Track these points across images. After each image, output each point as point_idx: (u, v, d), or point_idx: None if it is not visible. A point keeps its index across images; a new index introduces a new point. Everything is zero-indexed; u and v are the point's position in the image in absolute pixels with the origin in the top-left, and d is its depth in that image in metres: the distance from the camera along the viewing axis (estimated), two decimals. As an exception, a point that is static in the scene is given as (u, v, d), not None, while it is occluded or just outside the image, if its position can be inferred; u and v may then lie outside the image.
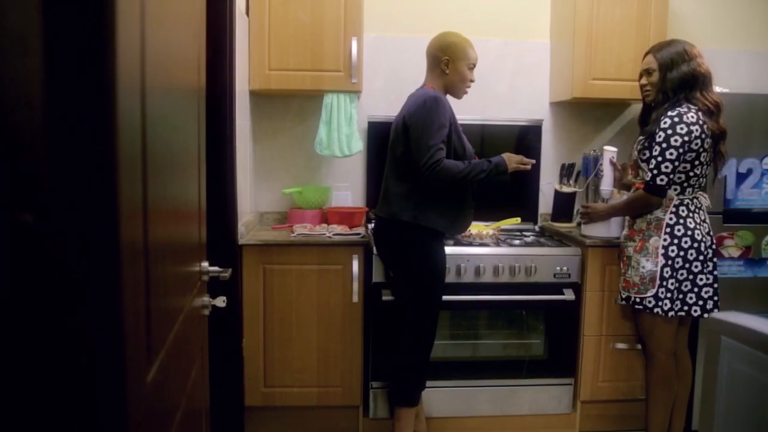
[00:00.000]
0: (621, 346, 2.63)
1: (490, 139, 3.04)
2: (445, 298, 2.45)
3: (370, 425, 2.61)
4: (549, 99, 3.07)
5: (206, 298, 1.47)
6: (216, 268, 1.48)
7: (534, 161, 2.37)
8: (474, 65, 2.30)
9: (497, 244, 2.67)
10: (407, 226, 2.21)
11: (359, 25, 2.67)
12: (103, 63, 0.67)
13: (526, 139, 3.05)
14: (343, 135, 2.72)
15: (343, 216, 2.76)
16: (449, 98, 2.33)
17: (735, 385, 1.20)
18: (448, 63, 2.24)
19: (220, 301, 1.51)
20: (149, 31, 0.85)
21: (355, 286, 2.49)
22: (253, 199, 2.90)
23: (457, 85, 2.28)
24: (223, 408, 2.47)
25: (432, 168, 2.09)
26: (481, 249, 2.58)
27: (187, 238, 1.24)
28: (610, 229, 2.57)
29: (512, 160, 2.28)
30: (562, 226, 2.91)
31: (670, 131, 2.22)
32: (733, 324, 1.20)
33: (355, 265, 2.48)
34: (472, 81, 2.32)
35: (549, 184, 3.04)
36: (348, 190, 2.98)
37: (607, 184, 2.59)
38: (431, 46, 2.30)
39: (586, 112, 3.10)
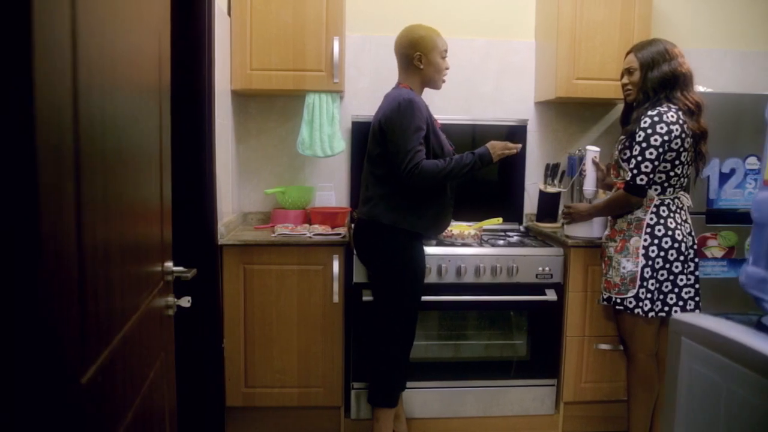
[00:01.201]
0: (604, 347, 2.62)
1: (476, 139, 3.03)
2: (426, 298, 2.45)
3: (351, 426, 2.60)
4: (534, 99, 3.06)
5: (170, 299, 1.46)
6: (180, 269, 1.48)
7: (520, 145, 2.31)
8: (446, 52, 2.29)
9: (480, 245, 2.66)
10: (386, 229, 2.20)
11: (341, 24, 2.66)
12: (19, 61, 0.66)
13: (512, 139, 3.02)
14: (325, 135, 2.72)
15: (325, 216, 2.75)
16: (428, 93, 2.32)
17: (694, 388, 1.19)
18: (421, 58, 2.23)
19: (185, 302, 1.50)
20: (84, 31, 0.84)
21: (336, 286, 2.48)
22: (237, 200, 2.90)
23: (434, 77, 2.27)
24: (204, 408, 2.47)
25: (411, 172, 2.08)
26: (463, 249, 2.57)
27: (144, 238, 1.23)
28: (593, 229, 2.55)
29: (496, 147, 2.23)
30: (546, 227, 2.89)
31: (650, 131, 2.20)
32: (692, 325, 1.19)
33: (336, 266, 2.47)
34: (447, 69, 2.30)
35: (534, 184, 3.03)
36: (332, 190, 2.97)
37: (589, 184, 2.57)
38: (399, 44, 2.28)
39: (572, 112, 3.09)
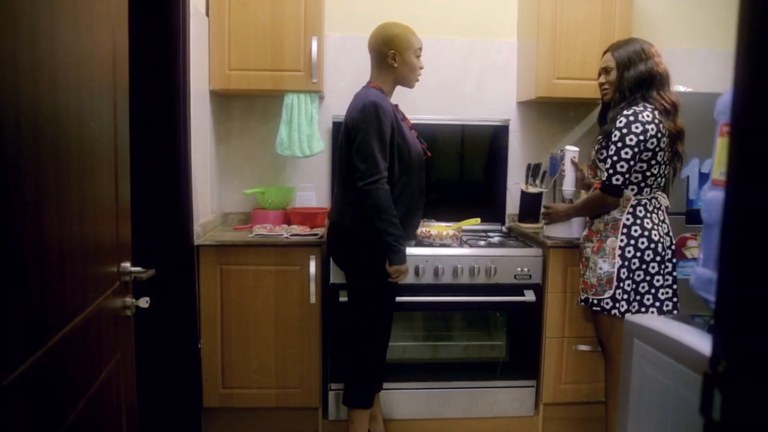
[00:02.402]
0: (583, 348, 2.60)
1: (457, 139, 3.03)
2: (403, 299, 2.44)
3: (329, 427, 2.59)
4: (516, 99, 3.05)
5: (129, 299, 1.45)
6: (138, 269, 1.47)
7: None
8: (420, 50, 2.27)
9: (460, 245, 2.65)
10: (352, 233, 2.19)
11: (319, 24, 2.65)
12: None
13: (493, 138, 3.03)
14: (303, 135, 2.71)
15: (305, 216, 2.74)
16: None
17: (645, 390, 1.18)
18: (395, 56, 2.21)
19: (143, 302, 1.49)
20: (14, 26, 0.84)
21: (313, 287, 2.47)
22: (217, 200, 2.89)
23: (407, 76, 2.25)
24: (181, 409, 2.46)
25: (368, 185, 2.07)
26: (441, 250, 2.56)
27: (92, 239, 1.22)
28: (572, 229, 2.54)
29: (403, 269, 2.18)
30: (528, 227, 2.88)
31: (625, 130, 2.19)
32: (644, 327, 1.18)
33: (312, 266, 2.46)
34: (421, 68, 2.28)
35: (516, 184, 3.02)
36: (312, 190, 2.97)
37: (568, 185, 2.56)
38: (373, 41, 2.27)
39: (555, 112, 3.08)
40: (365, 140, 2.07)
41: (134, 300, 1.48)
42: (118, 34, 1.39)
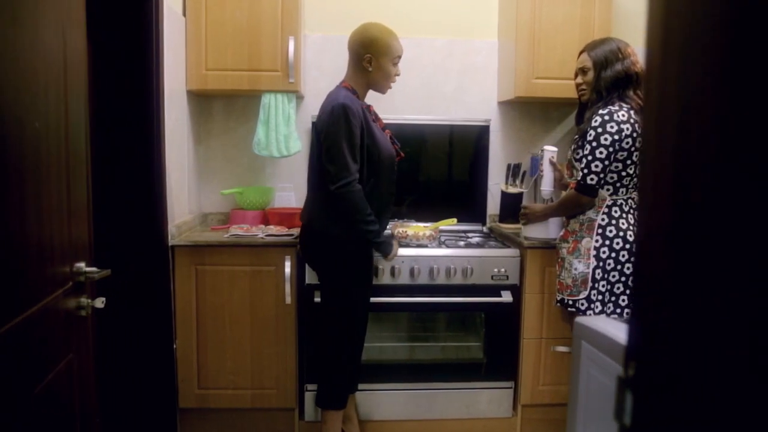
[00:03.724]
0: (561, 349, 2.58)
1: (438, 139, 3.02)
2: (379, 299, 2.43)
3: (305, 428, 2.58)
4: (497, 99, 3.03)
5: (84, 299, 1.45)
6: (92, 269, 1.46)
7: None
8: (399, 58, 2.25)
9: (439, 246, 2.63)
10: (320, 234, 2.18)
11: (296, 24, 2.64)
12: None
13: (474, 139, 3.01)
14: (281, 135, 2.70)
15: (283, 217, 2.73)
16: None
17: (592, 392, 1.16)
18: (371, 60, 2.20)
19: (99, 302, 1.49)
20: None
21: (288, 287, 2.46)
22: (196, 200, 2.89)
23: (380, 82, 2.24)
24: (157, 410, 2.46)
25: (338, 192, 2.07)
26: (417, 250, 2.54)
27: (38, 239, 1.21)
28: (549, 230, 2.52)
29: (396, 252, 2.36)
30: (508, 228, 2.87)
31: (600, 129, 2.18)
32: (591, 329, 1.17)
33: (287, 267, 2.46)
34: (397, 75, 2.26)
35: (496, 184, 3.00)
36: (292, 190, 2.96)
37: (546, 185, 2.55)
38: (352, 41, 2.25)
39: (536, 112, 3.06)
40: (335, 143, 2.06)
41: (90, 300, 1.47)
42: (71, 34, 1.38)
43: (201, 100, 2.90)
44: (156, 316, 2.40)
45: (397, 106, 2.97)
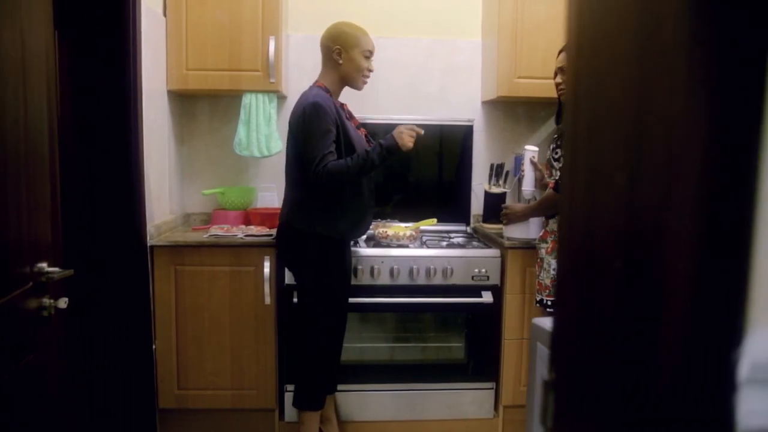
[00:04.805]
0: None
1: (422, 139, 2.99)
2: (358, 300, 2.43)
3: (286, 428, 2.57)
4: (481, 98, 3.02)
5: (46, 300, 1.44)
6: (55, 269, 1.46)
7: (422, 131, 2.21)
8: (371, 53, 2.23)
9: (420, 246, 2.62)
10: (300, 234, 2.17)
11: (277, 24, 2.64)
12: None
13: (458, 139, 3.00)
14: (262, 135, 2.70)
15: (264, 217, 2.73)
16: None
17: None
18: (340, 53, 2.19)
19: (62, 303, 1.48)
20: None
21: (267, 287, 2.45)
22: (179, 200, 2.88)
23: (352, 75, 2.21)
24: (136, 410, 2.45)
25: (319, 174, 2.05)
26: (397, 251, 2.53)
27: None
28: (530, 230, 2.51)
29: (403, 135, 2.10)
30: (491, 228, 2.85)
31: (577, 130, 2.16)
32: (544, 329, 1.16)
33: (267, 267, 2.45)
34: (370, 70, 2.24)
35: (480, 184, 2.99)
36: (274, 191, 2.95)
37: (527, 185, 2.53)
38: (323, 37, 2.24)
39: (520, 111, 3.05)
40: (306, 139, 2.06)
41: (52, 300, 1.47)
42: (31, 34, 1.37)
43: (184, 101, 2.90)
44: (135, 316, 2.40)
45: (380, 106, 2.96)
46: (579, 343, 0.62)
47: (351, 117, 2.29)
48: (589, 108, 0.59)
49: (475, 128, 3.00)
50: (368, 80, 2.27)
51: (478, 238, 2.85)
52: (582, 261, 0.61)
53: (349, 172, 2.07)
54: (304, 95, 2.17)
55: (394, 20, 2.96)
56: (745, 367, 0.50)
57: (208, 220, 2.92)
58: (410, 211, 2.94)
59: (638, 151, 0.51)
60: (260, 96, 2.68)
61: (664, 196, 0.49)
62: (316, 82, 2.25)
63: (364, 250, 2.50)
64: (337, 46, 2.18)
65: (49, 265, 1.46)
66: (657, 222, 0.49)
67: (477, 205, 3.04)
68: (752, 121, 0.48)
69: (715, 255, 0.49)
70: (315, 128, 2.05)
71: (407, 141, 2.12)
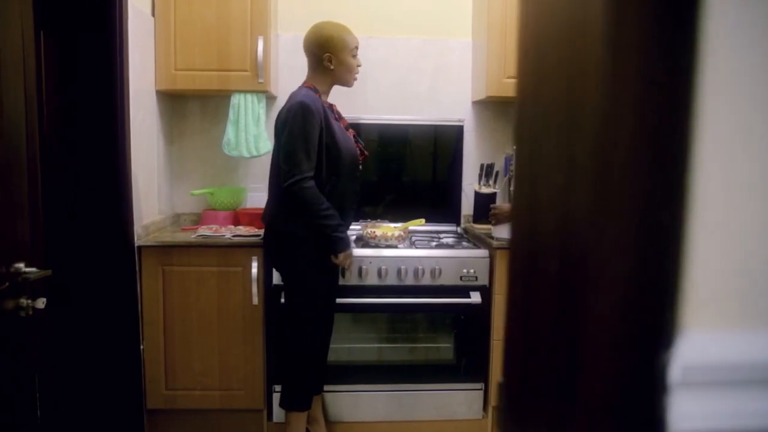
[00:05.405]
0: (531, 350, 2.56)
1: (412, 139, 3.00)
2: (346, 300, 2.42)
3: (274, 429, 2.57)
4: (471, 98, 3.02)
5: (23, 300, 1.44)
6: (32, 269, 1.46)
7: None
8: (356, 49, 2.25)
9: (409, 246, 2.62)
10: (281, 234, 2.17)
11: (266, 24, 2.64)
12: None
13: (448, 139, 3.00)
14: (250, 135, 2.69)
15: (253, 217, 2.73)
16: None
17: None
18: (331, 59, 2.20)
19: (40, 303, 1.48)
20: None
21: (255, 288, 2.45)
22: (168, 201, 2.88)
23: (345, 76, 2.24)
24: (124, 411, 2.45)
25: (291, 190, 2.06)
26: (385, 251, 2.53)
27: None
28: (518, 230, 2.50)
29: (350, 253, 2.24)
30: (480, 228, 2.85)
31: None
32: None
33: (255, 267, 2.45)
34: (359, 66, 2.27)
35: (470, 185, 2.98)
36: (264, 191, 2.93)
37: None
38: (308, 44, 2.25)
39: (511, 111, 3.04)
40: (289, 141, 2.06)
41: (30, 301, 1.46)
42: (5, 37, 1.37)
43: (174, 101, 2.90)
44: (122, 316, 2.40)
45: (370, 106, 2.96)
46: (524, 345, 0.62)
47: (340, 118, 2.29)
48: (532, 108, 0.59)
49: (465, 128, 3.00)
50: (358, 75, 2.28)
51: (467, 238, 2.84)
52: (526, 262, 0.60)
53: (313, 211, 2.08)
54: (292, 96, 2.17)
55: (384, 20, 2.95)
56: (676, 370, 0.49)
57: (198, 220, 2.92)
58: (401, 212, 2.93)
59: (572, 151, 0.51)
60: (249, 96, 2.68)
61: (596, 197, 0.48)
62: (305, 82, 2.25)
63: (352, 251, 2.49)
64: (327, 53, 2.18)
65: (26, 266, 1.46)
66: (590, 223, 0.49)
67: (467, 206, 3.03)
68: (681, 122, 0.47)
69: (646, 257, 0.48)
70: (298, 129, 2.05)
71: (346, 262, 2.23)
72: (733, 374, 0.50)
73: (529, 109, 0.59)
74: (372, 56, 2.95)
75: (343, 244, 2.19)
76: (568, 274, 0.51)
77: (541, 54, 0.56)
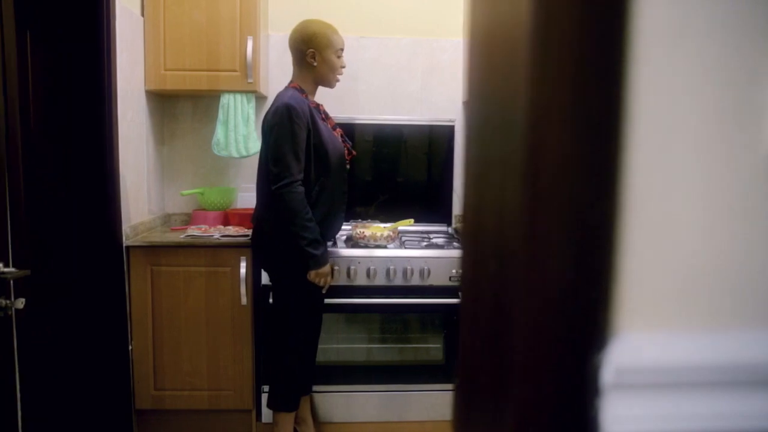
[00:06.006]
0: (521, 351, 2.55)
1: (403, 139, 2.99)
2: (335, 301, 2.42)
3: (263, 429, 2.56)
4: (462, 98, 3.01)
5: (2, 300, 1.44)
6: (11, 270, 1.46)
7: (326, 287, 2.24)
8: (342, 50, 2.24)
9: (398, 247, 2.61)
10: (269, 235, 2.17)
11: (255, 24, 2.63)
12: None
13: (440, 139, 2.99)
14: (240, 135, 2.69)
15: (243, 217, 2.72)
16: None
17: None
18: (315, 55, 2.19)
19: (19, 303, 1.48)
20: None
21: (244, 288, 2.45)
22: (159, 201, 2.88)
23: (327, 76, 2.23)
24: (112, 411, 2.45)
25: (278, 194, 2.05)
26: (374, 251, 2.52)
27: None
28: (507, 231, 2.49)
29: (322, 273, 2.15)
30: (472, 228, 2.84)
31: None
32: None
33: (243, 267, 2.44)
34: (343, 67, 2.25)
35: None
36: (254, 191, 2.94)
37: (505, 185, 2.52)
38: (292, 39, 2.24)
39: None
40: (277, 143, 2.05)
41: (9, 301, 1.46)
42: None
43: (164, 101, 2.90)
44: (111, 316, 2.40)
45: (361, 106, 2.96)
46: (471, 347, 0.61)
47: (327, 117, 2.28)
48: (475, 108, 0.58)
49: (457, 128, 2.99)
50: (341, 77, 2.27)
51: (458, 238, 2.83)
52: (471, 263, 0.60)
53: (295, 218, 2.05)
54: (278, 96, 2.17)
55: (375, 20, 2.95)
56: (610, 372, 0.48)
57: (189, 220, 2.92)
58: (393, 212, 2.93)
59: (505, 150, 0.50)
60: (238, 96, 2.68)
61: (527, 196, 0.48)
62: (291, 82, 2.25)
63: (340, 251, 2.49)
64: (311, 49, 2.18)
65: (5, 266, 1.46)
66: (521, 223, 0.48)
67: (458, 206, 3.02)
68: (613, 119, 0.46)
69: (578, 257, 0.47)
70: (286, 131, 2.04)
71: (317, 280, 2.16)
72: (668, 377, 0.49)
73: (473, 108, 0.58)
74: (363, 56, 2.94)
75: (314, 262, 2.11)
76: (503, 274, 0.51)
77: (483, 52, 0.56)
